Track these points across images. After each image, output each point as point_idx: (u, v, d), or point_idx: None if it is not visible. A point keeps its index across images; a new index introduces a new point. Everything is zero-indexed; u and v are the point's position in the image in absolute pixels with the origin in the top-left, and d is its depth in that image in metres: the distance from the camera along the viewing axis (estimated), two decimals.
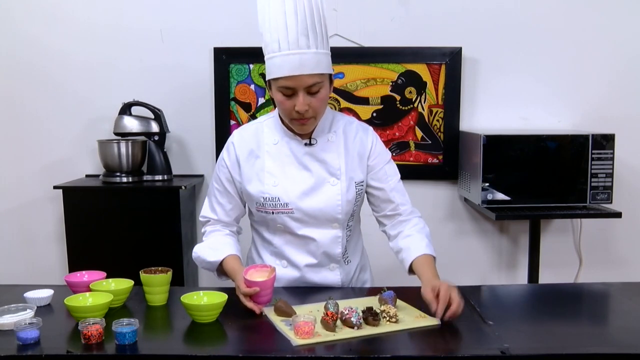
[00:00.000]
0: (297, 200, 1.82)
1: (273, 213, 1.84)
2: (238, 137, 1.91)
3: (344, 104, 2.94)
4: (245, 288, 1.65)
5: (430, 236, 1.90)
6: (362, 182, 1.89)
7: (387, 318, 1.54)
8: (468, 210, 3.04)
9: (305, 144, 1.85)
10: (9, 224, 3.08)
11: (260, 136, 1.88)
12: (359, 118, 2.92)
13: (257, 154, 1.86)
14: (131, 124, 2.82)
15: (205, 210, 1.96)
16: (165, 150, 2.90)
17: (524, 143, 2.64)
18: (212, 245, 1.90)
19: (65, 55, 2.96)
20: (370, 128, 1.96)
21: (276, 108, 1.87)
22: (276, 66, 1.70)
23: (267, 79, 1.77)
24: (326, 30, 1.75)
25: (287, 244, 1.88)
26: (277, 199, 1.82)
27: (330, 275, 1.91)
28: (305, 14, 1.69)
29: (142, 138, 2.85)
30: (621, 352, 1.41)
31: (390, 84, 2.93)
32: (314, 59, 1.69)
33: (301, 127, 1.80)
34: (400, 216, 1.92)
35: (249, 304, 1.65)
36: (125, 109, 2.83)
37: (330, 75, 1.77)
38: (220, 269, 1.87)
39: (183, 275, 2.72)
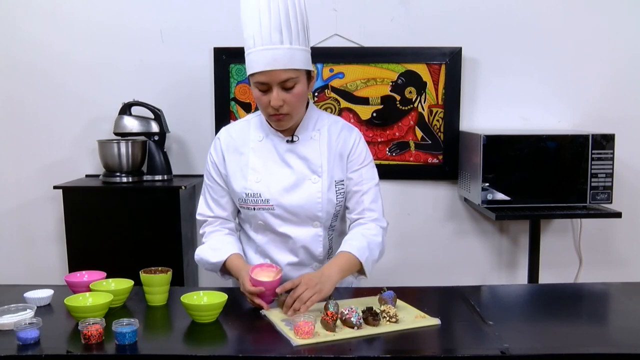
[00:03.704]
0: (278, 197, 1.83)
1: (254, 209, 1.85)
2: (224, 133, 1.94)
3: (344, 104, 2.94)
4: (251, 287, 1.66)
5: (376, 246, 1.87)
6: (342, 181, 1.89)
7: (387, 318, 1.54)
8: (468, 210, 3.04)
9: (287, 141, 1.87)
10: (9, 224, 3.08)
11: (246, 133, 1.91)
12: (359, 118, 2.93)
13: (241, 150, 1.89)
14: (131, 124, 2.82)
15: (202, 208, 1.97)
16: (165, 150, 2.90)
17: (524, 143, 2.64)
18: (214, 245, 1.90)
19: (65, 55, 2.96)
20: (356, 129, 1.96)
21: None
22: (251, 62, 1.75)
23: (247, 75, 1.80)
24: (305, 27, 1.76)
25: (268, 242, 1.89)
26: (258, 195, 1.84)
27: None
28: (279, 10, 1.71)
29: (142, 138, 2.85)
30: (621, 352, 1.41)
31: (390, 84, 2.93)
32: (287, 54, 1.71)
33: (278, 124, 1.82)
34: (362, 219, 1.92)
35: (257, 300, 1.66)
36: (125, 109, 2.83)
37: (308, 72, 1.78)
38: (224, 269, 1.88)
39: (183, 275, 2.72)
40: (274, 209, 1.84)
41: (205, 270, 3.02)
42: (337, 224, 1.96)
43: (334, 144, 1.89)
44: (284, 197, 1.83)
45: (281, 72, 1.71)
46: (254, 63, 1.73)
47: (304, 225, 1.86)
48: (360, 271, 1.87)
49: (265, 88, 1.74)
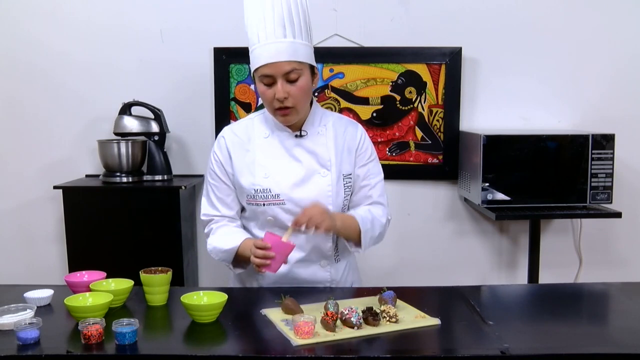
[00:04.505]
0: (288, 191, 1.84)
1: (264, 205, 1.85)
2: (229, 131, 1.96)
3: (344, 104, 2.94)
4: (259, 242, 1.69)
5: (379, 225, 1.91)
6: (350, 174, 1.92)
7: (387, 318, 1.54)
8: (468, 210, 3.04)
9: (296, 136, 1.89)
10: (9, 224, 3.08)
11: (251, 131, 1.93)
12: (359, 118, 2.93)
13: (247, 147, 1.90)
14: (131, 124, 2.82)
15: (206, 208, 1.96)
16: (165, 150, 2.90)
17: (524, 143, 2.64)
18: (226, 233, 1.90)
19: (65, 55, 2.96)
20: (360, 125, 2.01)
21: (265, 108, 1.92)
22: (255, 57, 1.79)
23: (251, 73, 1.85)
24: (307, 25, 1.82)
25: None
26: (268, 190, 1.85)
27: (320, 272, 1.92)
28: (282, 7, 1.77)
29: (142, 138, 2.85)
30: (621, 352, 1.41)
31: (390, 84, 2.93)
32: (291, 48, 1.76)
33: (284, 119, 1.84)
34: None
35: (259, 254, 1.67)
36: (125, 109, 2.83)
37: (311, 66, 1.82)
38: (236, 258, 1.87)
39: (183, 275, 2.72)
40: (285, 204, 1.84)
41: (205, 271, 3.04)
42: None
43: (341, 138, 1.92)
44: (295, 191, 1.84)
45: (285, 63, 1.75)
46: (258, 58, 1.77)
47: None
48: (357, 244, 1.89)
49: (270, 81, 1.77)
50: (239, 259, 1.88)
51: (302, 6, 1.80)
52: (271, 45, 1.75)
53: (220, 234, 1.91)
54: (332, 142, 1.90)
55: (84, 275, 1.80)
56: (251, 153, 1.89)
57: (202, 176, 3.01)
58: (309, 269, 1.91)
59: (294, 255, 1.88)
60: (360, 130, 1.97)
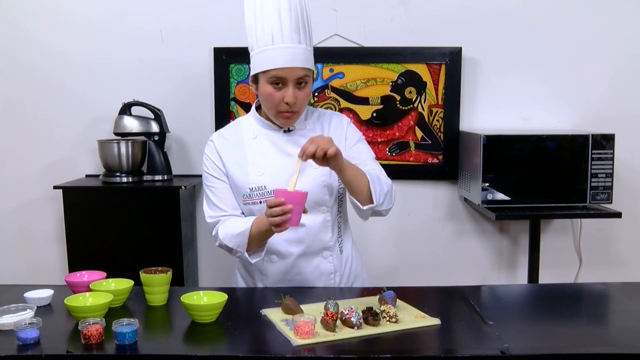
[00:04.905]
0: (284, 186, 1.82)
1: (260, 202, 1.86)
2: (217, 136, 1.98)
3: (344, 104, 2.94)
4: (270, 201, 1.64)
5: (385, 184, 1.84)
6: None
7: (387, 318, 1.54)
8: (468, 210, 3.04)
9: (284, 131, 1.91)
10: (9, 224, 3.08)
11: (239, 133, 1.95)
12: (359, 118, 2.93)
13: (237, 149, 1.92)
14: (131, 124, 2.82)
15: (210, 212, 1.94)
16: (165, 150, 2.90)
17: (524, 143, 2.64)
18: (236, 221, 1.87)
19: (65, 55, 2.96)
20: (344, 115, 2.05)
21: (251, 110, 1.96)
22: (269, 58, 1.78)
23: (255, 72, 1.82)
24: (311, 31, 1.85)
25: (277, 235, 1.85)
26: (263, 187, 1.86)
27: (324, 264, 1.92)
28: (297, 12, 1.80)
29: (142, 138, 2.85)
30: (621, 352, 1.41)
31: (390, 84, 2.93)
32: (304, 54, 1.80)
33: (285, 121, 1.86)
34: None
35: (276, 219, 1.62)
36: (125, 109, 2.83)
37: (313, 72, 1.87)
38: (251, 242, 1.81)
39: (183, 275, 2.72)
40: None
41: (205, 271, 3.04)
42: (343, 209, 1.98)
43: (327, 129, 1.95)
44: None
45: (299, 69, 1.78)
46: (273, 59, 1.77)
47: (312, 212, 1.85)
48: (365, 200, 1.81)
49: (280, 85, 1.78)
50: (254, 241, 1.82)
51: (308, 12, 1.84)
52: (288, 50, 1.77)
53: (230, 222, 1.88)
54: (320, 133, 1.92)
55: (84, 275, 1.80)
56: (242, 154, 1.90)
57: (202, 176, 3.01)
58: (312, 262, 1.91)
59: (296, 250, 1.89)
60: (345, 119, 2.00)
